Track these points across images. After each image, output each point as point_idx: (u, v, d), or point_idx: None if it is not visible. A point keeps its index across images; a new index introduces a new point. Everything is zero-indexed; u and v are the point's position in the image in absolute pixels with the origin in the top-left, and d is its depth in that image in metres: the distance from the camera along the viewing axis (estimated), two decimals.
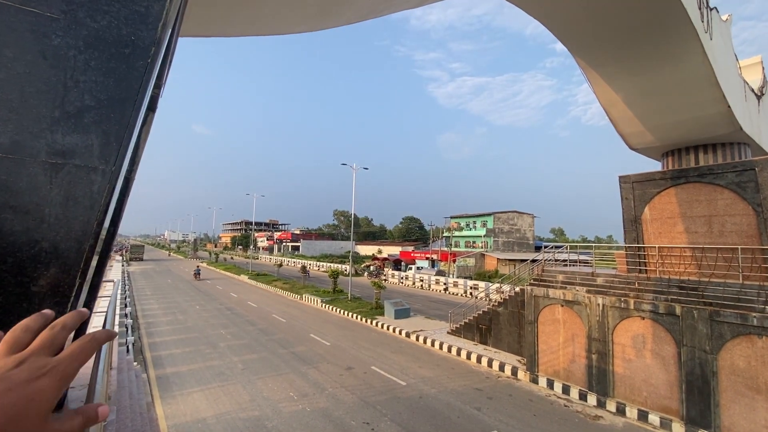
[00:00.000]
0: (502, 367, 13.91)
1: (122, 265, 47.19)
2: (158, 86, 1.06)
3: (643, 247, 12.32)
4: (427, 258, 60.11)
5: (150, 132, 1.13)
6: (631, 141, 12.17)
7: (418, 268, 51.25)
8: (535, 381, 12.75)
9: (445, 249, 58.82)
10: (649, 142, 12.05)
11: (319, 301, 27.03)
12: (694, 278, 10.66)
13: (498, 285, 18.60)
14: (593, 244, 15.76)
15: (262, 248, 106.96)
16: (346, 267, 54.66)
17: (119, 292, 16.58)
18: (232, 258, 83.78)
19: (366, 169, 30.68)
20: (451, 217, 67.14)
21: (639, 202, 12.64)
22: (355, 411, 9.96)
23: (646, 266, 12.12)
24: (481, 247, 60.77)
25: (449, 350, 16.02)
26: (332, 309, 25.03)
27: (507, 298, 16.05)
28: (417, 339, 17.74)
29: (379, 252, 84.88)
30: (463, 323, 17.85)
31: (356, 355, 14.98)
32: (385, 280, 44.41)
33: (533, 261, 16.00)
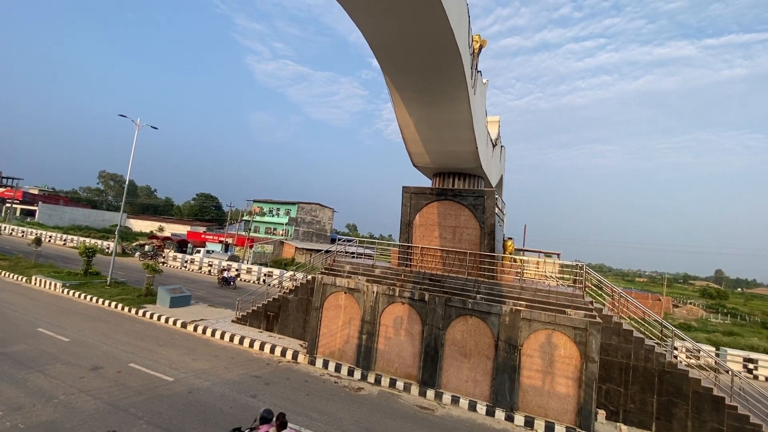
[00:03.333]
0: (284, 353, 14.26)
1: None
2: None
3: (411, 246, 15.10)
4: (220, 241, 55.36)
5: None
6: (414, 159, 14.73)
7: (208, 251, 46.58)
8: (312, 363, 13.66)
9: (243, 233, 55.69)
10: (427, 163, 14.89)
11: (58, 285, 20.76)
12: (440, 273, 13.83)
13: (292, 273, 18.99)
14: (377, 241, 18.22)
15: None
16: (111, 244, 44.29)
17: None
18: None
19: (155, 128, 25.66)
20: (254, 201, 64.26)
21: (413, 209, 15.43)
22: (96, 419, 8.15)
23: (411, 262, 14.88)
24: (282, 235, 60.67)
25: (231, 339, 15.26)
26: (80, 296, 19.73)
27: (298, 285, 16.59)
28: (195, 329, 16.09)
29: (161, 230, 72.65)
30: (250, 311, 17.34)
31: (109, 352, 12.31)
32: (163, 263, 38.32)
33: (327, 252, 17.13)
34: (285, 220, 60.69)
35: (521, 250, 22.09)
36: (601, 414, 11.05)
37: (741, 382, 11.12)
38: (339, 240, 17.04)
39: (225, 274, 29.77)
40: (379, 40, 8.41)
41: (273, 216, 62.53)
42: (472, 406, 11.23)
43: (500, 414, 10.90)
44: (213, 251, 48.02)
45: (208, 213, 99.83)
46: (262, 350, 14.58)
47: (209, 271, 36.96)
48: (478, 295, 12.28)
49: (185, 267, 38.28)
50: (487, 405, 11.16)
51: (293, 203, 61.41)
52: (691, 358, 13.86)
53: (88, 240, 44.96)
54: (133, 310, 17.87)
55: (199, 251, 45.22)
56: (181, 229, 70.29)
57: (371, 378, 12.71)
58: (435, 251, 14.69)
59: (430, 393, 11.85)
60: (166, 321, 16.84)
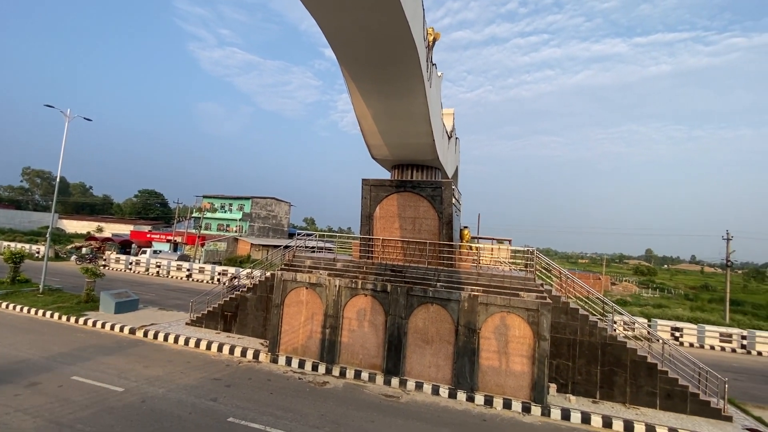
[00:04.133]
0: (244, 353, 13.85)
1: None
2: None
3: (372, 238, 15.18)
4: (168, 240, 52.21)
5: None
6: (373, 151, 14.73)
7: (155, 251, 43.82)
8: (275, 361, 13.40)
9: (194, 231, 52.89)
10: (386, 155, 14.96)
11: None
12: (401, 263, 14.05)
13: (249, 270, 18.39)
14: (337, 234, 18.11)
15: None
16: (41, 248, 40.36)
17: None
18: None
19: (88, 120, 23.50)
20: (204, 197, 61.15)
21: (373, 202, 15.48)
22: None
23: (372, 254, 14.97)
24: (236, 232, 58.38)
25: (186, 343, 14.55)
26: (9, 306, 17.83)
27: (257, 283, 16.11)
28: (146, 335, 15.15)
29: (99, 230, 67.24)
30: (206, 312, 16.61)
31: (47, 366, 11.28)
32: (105, 266, 35.57)
33: (286, 247, 16.76)
34: (239, 215, 58.38)
35: (476, 238, 22.96)
36: (553, 387, 11.90)
37: (670, 349, 12.43)
38: (298, 234, 16.73)
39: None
40: (335, 32, 8.27)
41: (225, 212, 59.90)
42: (435, 391, 11.63)
43: (462, 396, 11.38)
44: (160, 251, 45.24)
45: (153, 210, 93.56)
46: (221, 352, 14.06)
47: (157, 272, 34.82)
48: (438, 284, 12.65)
49: (130, 269, 35.75)
50: (449, 388, 11.61)
51: (247, 198, 59.17)
52: (628, 331, 15.26)
53: (13, 244, 40.49)
54: (73, 319, 16.44)
55: (144, 252, 42.34)
56: (124, 229, 65.39)
57: (336, 371, 12.73)
58: (396, 242, 14.88)
59: (395, 381, 12.09)
60: (112, 328, 15.69)
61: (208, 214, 58.52)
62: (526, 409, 10.76)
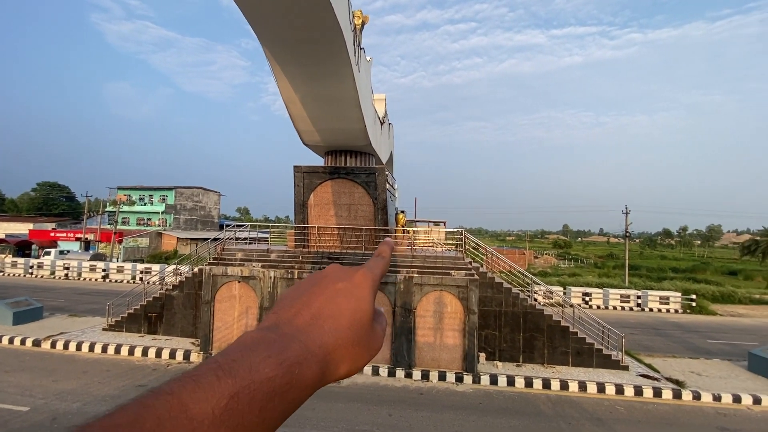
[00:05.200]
0: (173, 354, 13.00)
1: None
2: None
3: (307, 227, 14.93)
4: (78, 239, 46.57)
5: None
6: (304, 137, 14.34)
7: (61, 252, 38.84)
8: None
9: (109, 227, 47.69)
10: (317, 141, 14.65)
11: None
12: (338, 250, 14.04)
13: (174, 267, 17.14)
14: (271, 224, 17.50)
15: None
16: None
17: None
18: None
19: None
20: (119, 188, 55.22)
21: (307, 189, 15.15)
22: None
23: (308, 242, 14.74)
24: (159, 225, 53.78)
25: (104, 350, 13.26)
26: None
27: (183, 280, 15.08)
28: (54, 346, 13.50)
29: None
30: (126, 315, 15.23)
31: None
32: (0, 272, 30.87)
33: (215, 240, 15.83)
34: (161, 208, 53.67)
35: (413, 221, 23.69)
36: (482, 356, 12.88)
37: (579, 312, 14.06)
38: (228, 226, 15.86)
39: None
40: (253, 10, 7.79)
41: (145, 204, 54.73)
42: (375, 371, 11.97)
43: (400, 373, 11.87)
44: (68, 251, 40.20)
45: (57, 206, 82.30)
46: (146, 356, 13.04)
47: (66, 275, 30.99)
48: None
49: (31, 273, 31.37)
50: (388, 367, 12.02)
51: (169, 188, 54.46)
52: (546, 299, 16.95)
53: None
54: None
55: (48, 253, 37.28)
56: (20, 228, 56.82)
57: None
58: (332, 230, 14.79)
59: None
60: (11, 342, 13.74)
61: (126, 208, 52.99)
62: (459, 379, 11.54)
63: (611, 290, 25.43)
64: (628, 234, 37.33)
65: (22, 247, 42.14)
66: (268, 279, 12.94)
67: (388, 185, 15.26)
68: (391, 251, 0.60)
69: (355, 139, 13.98)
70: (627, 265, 34.55)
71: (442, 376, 11.64)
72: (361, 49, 12.21)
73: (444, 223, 24.91)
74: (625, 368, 12.38)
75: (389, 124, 21.34)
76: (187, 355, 12.93)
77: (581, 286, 27.65)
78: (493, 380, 11.48)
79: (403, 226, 17.34)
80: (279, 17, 7.90)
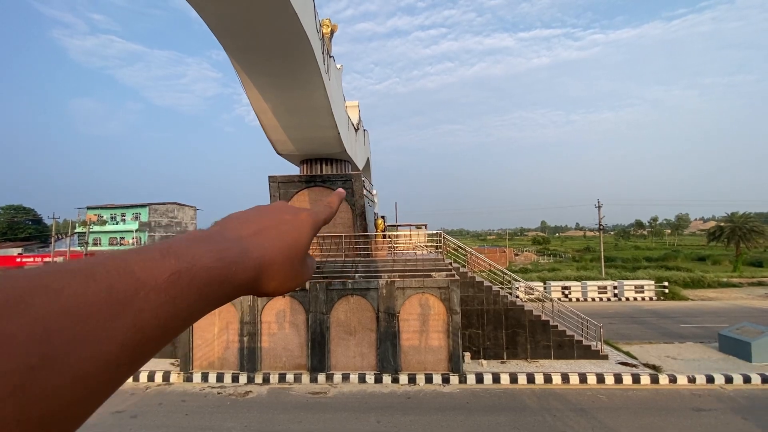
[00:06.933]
0: (152, 377, 12.53)
1: None
2: None
3: None
4: (46, 263, 44.40)
5: None
6: (277, 147, 14.23)
7: None
8: (189, 379, 12.38)
9: (79, 249, 45.80)
10: (291, 150, 14.56)
11: None
12: (319, 259, 13.92)
13: None
14: None
15: None
16: None
17: None
18: None
19: None
20: (88, 208, 53.16)
21: (283, 199, 14.99)
22: None
23: None
24: (133, 244, 51.96)
25: None
26: None
27: None
28: None
29: None
30: None
31: None
32: None
33: None
34: (135, 226, 51.96)
35: (394, 225, 23.72)
36: (467, 356, 12.97)
37: (559, 306, 14.39)
38: None
39: None
40: (218, 22, 7.72)
41: (117, 223, 52.88)
42: (362, 379, 11.88)
43: (387, 379, 11.81)
44: None
45: (23, 230, 78.41)
46: None
47: None
48: (356, 275, 12.83)
49: None
50: (375, 374, 11.95)
51: (142, 205, 52.82)
52: (526, 295, 17.27)
53: None
54: None
55: None
56: None
57: (259, 379, 12.23)
58: None
59: (321, 377, 12.05)
60: None
61: (96, 228, 51.03)
62: (446, 380, 11.59)
63: (589, 282, 26.15)
64: (602, 227, 38.55)
65: None
66: None
67: (365, 191, 15.29)
68: (339, 202, 0.63)
69: (330, 146, 13.97)
70: (603, 257, 35.62)
71: (428, 379, 11.65)
72: (330, 57, 12.25)
73: (425, 226, 25.10)
74: (605, 357, 12.72)
75: (364, 130, 21.44)
76: (166, 377, 12.49)
77: (561, 280, 28.32)
78: (479, 379, 11.57)
79: (383, 231, 17.38)
80: (244, 28, 7.86)
